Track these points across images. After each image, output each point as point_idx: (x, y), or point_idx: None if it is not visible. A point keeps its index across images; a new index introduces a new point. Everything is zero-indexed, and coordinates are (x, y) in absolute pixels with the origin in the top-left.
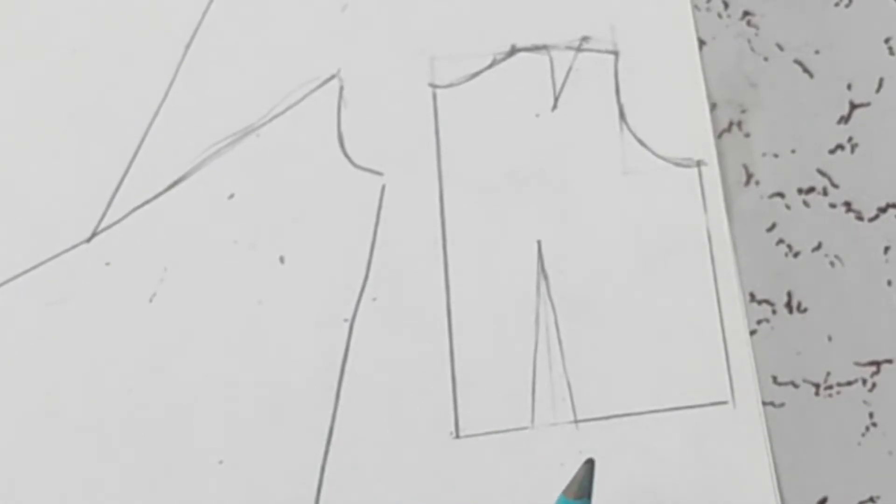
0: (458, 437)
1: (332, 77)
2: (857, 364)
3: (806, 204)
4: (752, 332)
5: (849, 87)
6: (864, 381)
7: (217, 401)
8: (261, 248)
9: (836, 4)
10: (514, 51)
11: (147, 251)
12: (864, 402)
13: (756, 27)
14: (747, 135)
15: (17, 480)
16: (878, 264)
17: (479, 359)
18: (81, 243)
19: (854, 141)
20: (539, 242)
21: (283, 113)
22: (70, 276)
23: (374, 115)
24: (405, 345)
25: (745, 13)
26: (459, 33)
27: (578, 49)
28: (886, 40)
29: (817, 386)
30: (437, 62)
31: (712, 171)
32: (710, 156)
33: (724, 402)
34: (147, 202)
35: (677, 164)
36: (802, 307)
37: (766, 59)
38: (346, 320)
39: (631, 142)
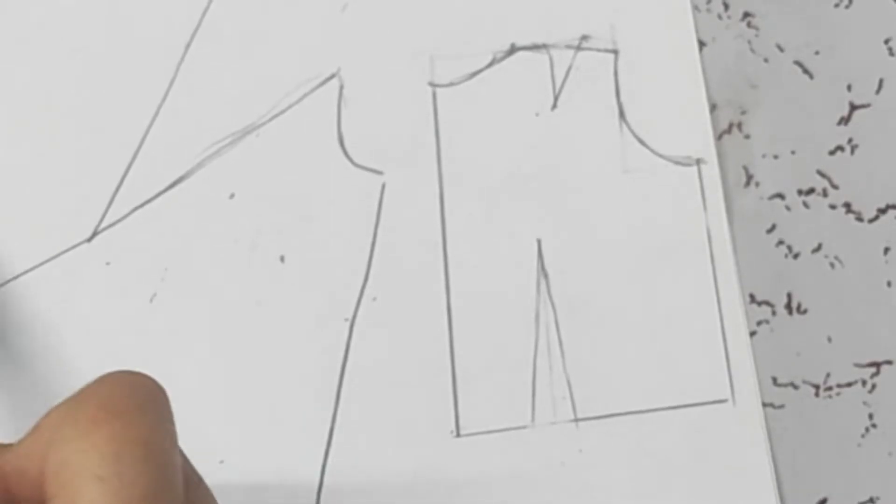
0: (458, 435)
1: (332, 76)
2: (857, 365)
3: (806, 205)
4: (752, 334)
5: (849, 88)
6: (864, 383)
7: (217, 400)
8: (261, 247)
9: (837, 5)
10: (513, 50)
11: (148, 251)
12: (864, 403)
13: (756, 28)
14: (747, 136)
15: None
16: (878, 265)
17: (479, 358)
18: (82, 243)
19: (854, 142)
20: (539, 241)
21: (283, 112)
22: (70, 276)
23: (374, 114)
24: (406, 344)
25: (746, 14)
26: (459, 32)
27: (578, 48)
28: (886, 41)
29: (817, 387)
30: (436, 61)
31: (712, 170)
32: (710, 155)
33: (724, 401)
34: (147, 202)
35: (677, 163)
36: (802, 308)
37: (766, 60)
38: (346, 319)
39: (631, 141)
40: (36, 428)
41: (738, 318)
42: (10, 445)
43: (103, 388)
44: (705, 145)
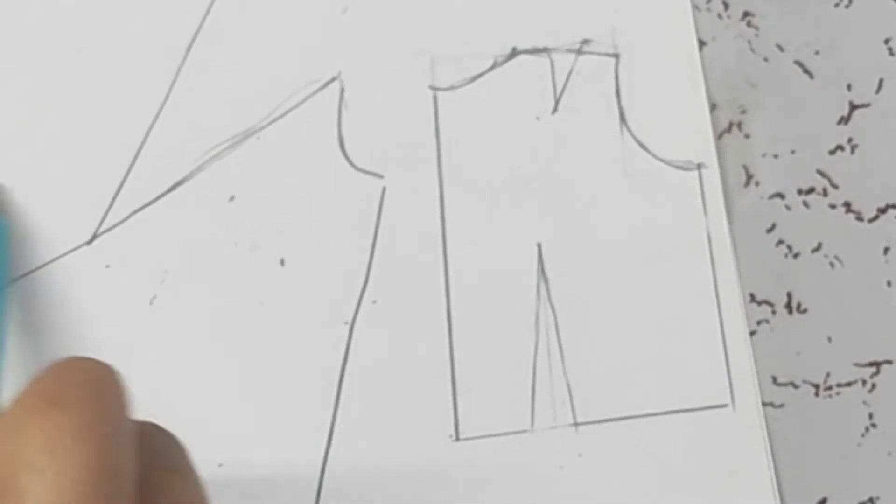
0: (457, 439)
1: (333, 79)
2: (857, 365)
3: (806, 205)
4: (752, 333)
5: (849, 87)
6: (864, 382)
7: (217, 403)
8: (261, 250)
9: (837, 5)
10: (514, 53)
11: (148, 253)
12: (864, 402)
13: (756, 28)
14: (747, 135)
15: None
16: (878, 265)
17: (479, 361)
18: (82, 245)
19: (854, 142)
20: (539, 245)
21: (283, 115)
22: (70, 279)
23: (374, 117)
24: (405, 347)
25: (746, 14)
26: (460, 35)
27: (579, 52)
28: (886, 41)
29: (817, 387)
30: (437, 64)
31: (712, 174)
32: (711, 158)
33: (724, 405)
34: (148, 204)
35: (678, 167)
36: (802, 308)
37: (766, 59)
38: (346, 322)
39: (631, 144)
40: None
41: (738, 323)
42: None
43: (48, 376)
44: (706, 148)
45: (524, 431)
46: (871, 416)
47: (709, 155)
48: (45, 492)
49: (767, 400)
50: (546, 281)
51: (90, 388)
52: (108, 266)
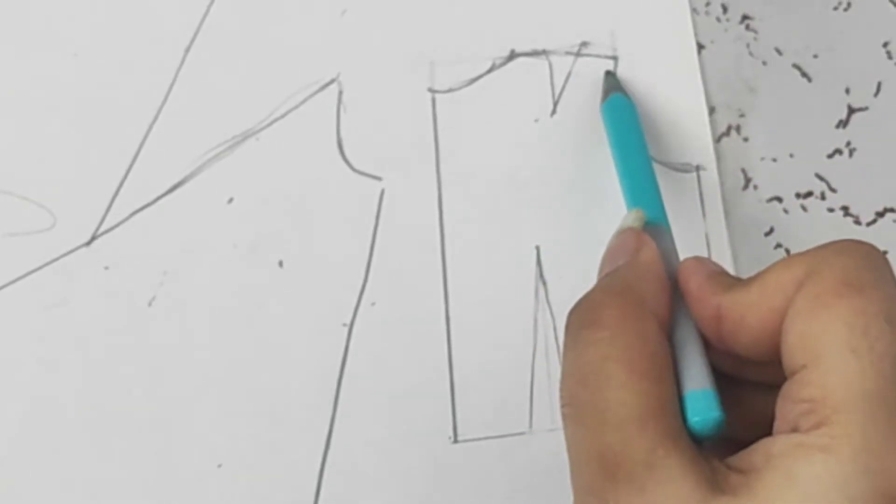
0: (456, 441)
1: (332, 81)
2: None
3: (804, 208)
4: None
5: (847, 91)
6: None
7: (216, 405)
8: (260, 252)
9: (835, 9)
10: (513, 56)
11: (146, 255)
12: None
13: (755, 31)
14: (746, 139)
15: (15, 484)
16: None
17: (477, 363)
18: (81, 247)
19: (852, 145)
20: (538, 248)
21: (282, 117)
22: (69, 280)
23: (373, 119)
24: (404, 349)
25: (744, 17)
26: (459, 38)
27: (578, 54)
28: (885, 44)
29: None
30: (436, 67)
31: (711, 177)
32: (709, 161)
33: None
34: (146, 206)
35: (676, 170)
36: None
37: (764, 63)
38: (345, 325)
39: None
40: (762, 283)
41: None
42: (733, 286)
43: (838, 261)
44: (704, 151)
45: (522, 433)
46: None
47: (707, 158)
48: (862, 370)
49: None
50: (545, 284)
51: (881, 273)
52: (107, 267)
